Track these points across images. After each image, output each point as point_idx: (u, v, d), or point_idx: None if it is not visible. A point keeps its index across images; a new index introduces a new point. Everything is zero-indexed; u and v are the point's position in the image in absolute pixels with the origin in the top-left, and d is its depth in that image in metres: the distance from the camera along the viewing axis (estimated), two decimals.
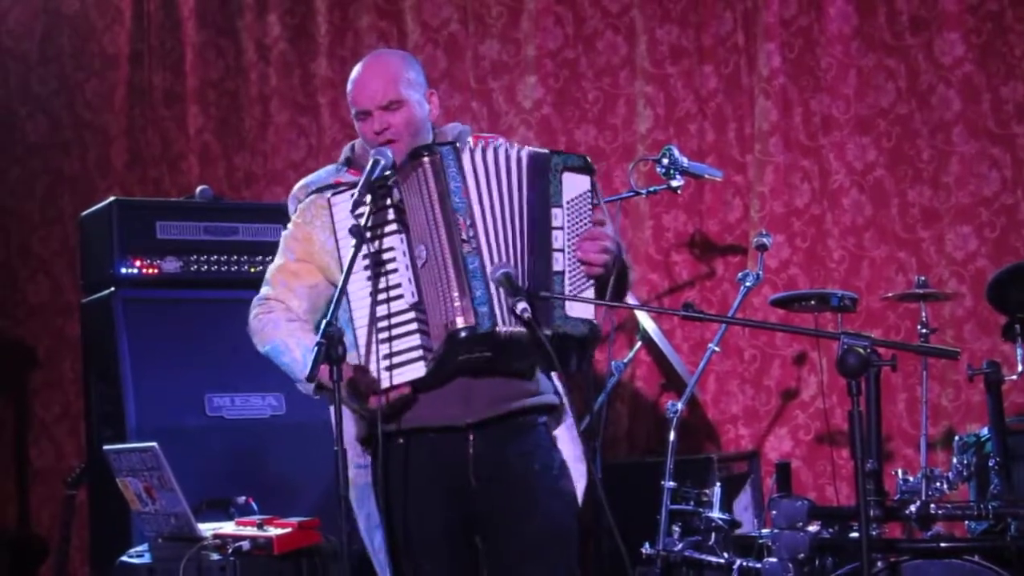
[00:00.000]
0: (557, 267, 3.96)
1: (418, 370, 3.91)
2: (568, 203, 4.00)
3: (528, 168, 4.02)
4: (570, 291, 3.95)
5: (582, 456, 4.21)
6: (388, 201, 3.97)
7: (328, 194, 4.07)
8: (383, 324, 3.93)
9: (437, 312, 3.89)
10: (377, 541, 4.08)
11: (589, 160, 4.09)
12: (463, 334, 3.86)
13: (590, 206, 4.04)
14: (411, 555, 4.06)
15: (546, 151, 4.08)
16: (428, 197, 3.93)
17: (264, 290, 4.25)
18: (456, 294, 3.87)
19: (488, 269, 3.91)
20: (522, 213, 3.99)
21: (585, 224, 4.02)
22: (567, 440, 4.21)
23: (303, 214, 4.23)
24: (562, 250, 3.97)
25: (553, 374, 4.21)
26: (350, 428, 4.10)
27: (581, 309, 3.96)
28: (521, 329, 3.89)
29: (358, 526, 4.11)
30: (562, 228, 3.98)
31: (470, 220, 3.93)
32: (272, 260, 4.30)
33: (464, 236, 3.91)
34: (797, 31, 6.85)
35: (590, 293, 4.00)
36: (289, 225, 4.28)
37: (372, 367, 3.93)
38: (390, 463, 4.04)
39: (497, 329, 3.88)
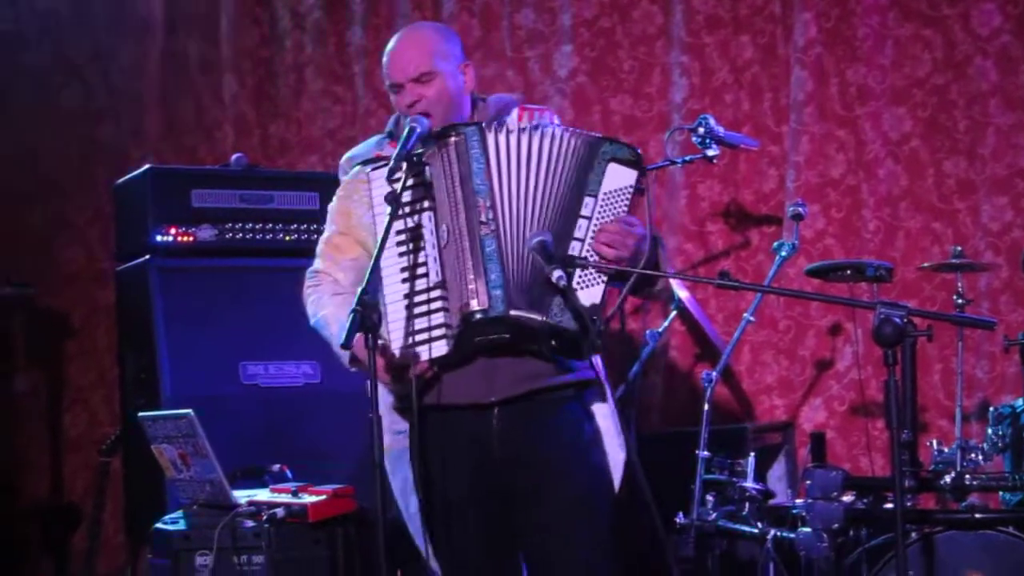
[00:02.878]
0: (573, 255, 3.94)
1: (441, 348, 3.93)
2: (604, 194, 3.96)
3: (571, 152, 3.98)
4: (578, 282, 3.92)
5: (621, 430, 4.20)
6: (420, 179, 3.97)
7: (368, 168, 4.08)
8: (411, 301, 3.95)
9: (455, 293, 3.91)
10: (412, 506, 4.12)
11: (640, 155, 4.02)
12: (476, 316, 3.88)
13: (627, 202, 3.97)
14: (442, 520, 4.09)
15: (598, 136, 4.03)
16: (451, 178, 3.95)
17: (315, 262, 4.33)
18: (471, 276, 3.89)
19: (506, 252, 3.90)
20: (548, 197, 3.96)
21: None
22: (606, 414, 4.19)
23: (345, 187, 4.29)
24: (582, 240, 3.94)
25: None
26: (387, 395, 4.11)
27: (591, 295, 3.92)
28: (534, 316, 3.89)
29: (392, 491, 4.14)
30: (589, 218, 3.95)
31: (490, 202, 3.92)
32: (319, 230, 4.37)
33: (483, 218, 3.92)
34: (834, 1, 6.80)
35: (599, 287, 3.94)
36: (335, 197, 4.32)
37: (398, 343, 3.95)
38: (423, 434, 4.05)
39: (510, 313, 3.88)
